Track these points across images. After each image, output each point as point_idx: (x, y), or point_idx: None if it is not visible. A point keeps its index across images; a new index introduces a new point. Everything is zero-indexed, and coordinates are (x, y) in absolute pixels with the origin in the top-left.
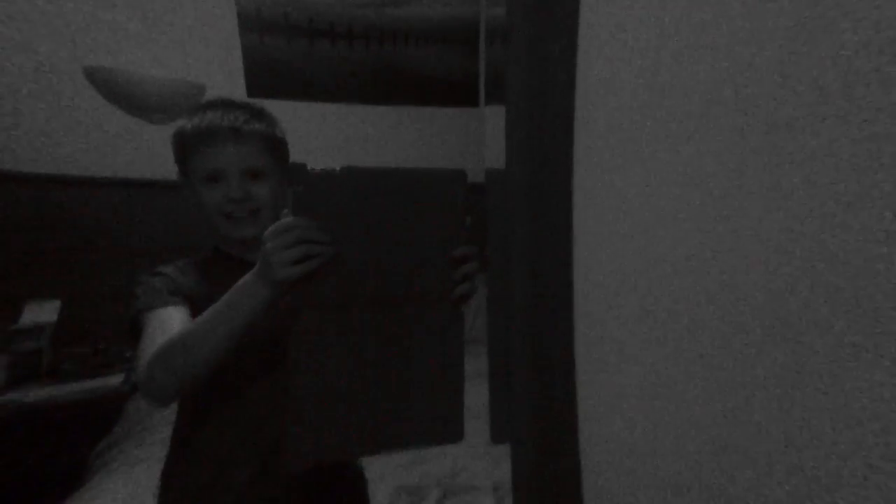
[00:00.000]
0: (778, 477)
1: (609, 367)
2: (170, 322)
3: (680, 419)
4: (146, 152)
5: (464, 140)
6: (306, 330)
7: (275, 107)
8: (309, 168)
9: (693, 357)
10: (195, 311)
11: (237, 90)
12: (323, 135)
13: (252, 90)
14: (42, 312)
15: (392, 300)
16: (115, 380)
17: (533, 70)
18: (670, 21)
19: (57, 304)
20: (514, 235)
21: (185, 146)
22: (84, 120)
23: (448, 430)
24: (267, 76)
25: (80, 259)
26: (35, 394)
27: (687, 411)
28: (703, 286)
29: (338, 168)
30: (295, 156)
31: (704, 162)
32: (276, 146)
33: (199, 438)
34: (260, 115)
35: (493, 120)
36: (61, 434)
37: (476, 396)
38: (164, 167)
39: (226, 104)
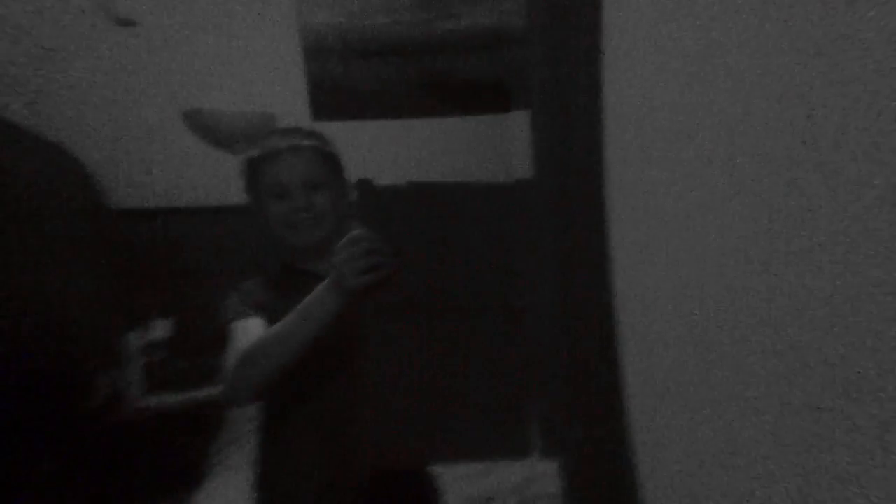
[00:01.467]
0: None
1: (654, 371)
2: (248, 332)
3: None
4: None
5: (516, 146)
6: (374, 338)
7: (339, 128)
8: (375, 183)
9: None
10: (272, 320)
11: (303, 116)
12: (385, 150)
13: (317, 114)
14: (162, 328)
15: (457, 309)
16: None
17: (554, 71)
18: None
19: (170, 321)
20: (554, 242)
21: (252, 170)
22: (177, 155)
23: (514, 443)
24: (329, 99)
25: (188, 281)
26: (167, 399)
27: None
28: (748, 284)
29: (403, 183)
30: (359, 172)
31: (747, 159)
32: (329, 159)
33: (276, 444)
34: (313, 134)
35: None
36: (184, 435)
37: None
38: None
39: (283, 130)
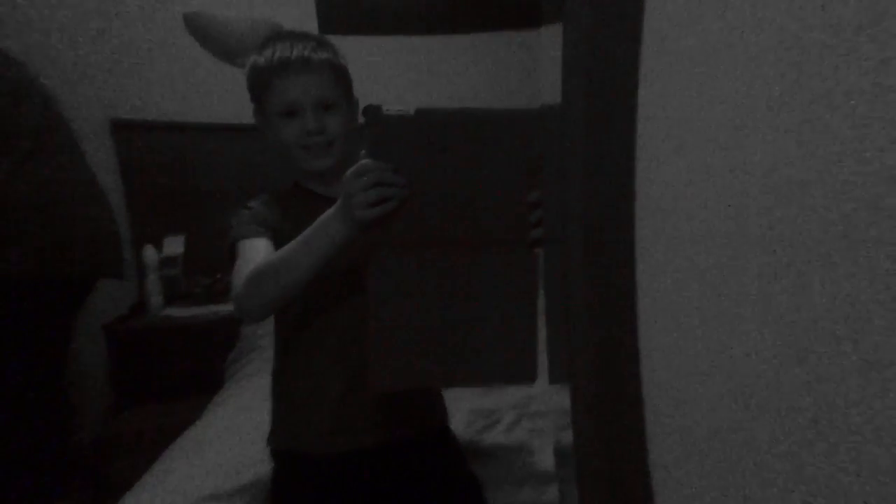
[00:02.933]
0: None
1: (671, 299)
2: (256, 251)
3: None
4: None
5: (535, 66)
6: (382, 269)
7: (347, 43)
8: (384, 110)
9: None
10: (279, 240)
11: (310, 28)
12: (394, 69)
13: (324, 26)
14: (175, 245)
15: (466, 242)
16: (231, 307)
17: None
18: None
19: (182, 238)
20: (572, 165)
21: (259, 81)
22: (186, 68)
23: (522, 370)
24: (336, 11)
25: (201, 199)
26: (181, 312)
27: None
28: (780, 203)
29: (412, 110)
30: (367, 91)
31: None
32: (343, 75)
33: (295, 355)
34: (325, 43)
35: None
36: (201, 346)
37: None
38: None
39: (292, 35)
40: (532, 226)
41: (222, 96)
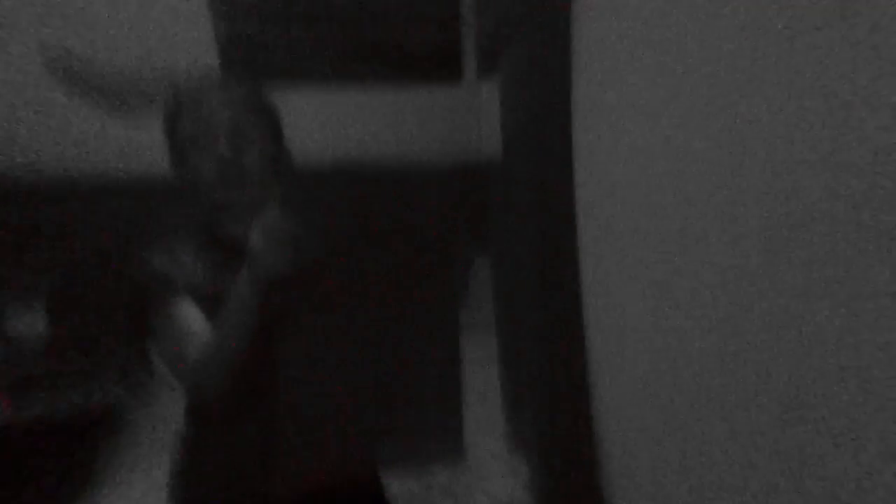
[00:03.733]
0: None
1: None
2: (185, 319)
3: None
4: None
5: (451, 118)
6: (290, 338)
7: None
8: (295, 163)
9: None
10: (196, 298)
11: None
12: (307, 124)
13: (227, 69)
14: (26, 325)
15: (384, 304)
16: (115, 390)
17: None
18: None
19: (41, 314)
20: (519, 224)
21: (172, 109)
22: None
23: (447, 445)
24: (244, 65)
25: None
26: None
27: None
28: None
29: (326, 164)
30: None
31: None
32: (266, 113)
33: (197, 444)
34: (251, 83)
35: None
36: (60, 448)
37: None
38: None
39: (215, 75)
40: (458, 287)
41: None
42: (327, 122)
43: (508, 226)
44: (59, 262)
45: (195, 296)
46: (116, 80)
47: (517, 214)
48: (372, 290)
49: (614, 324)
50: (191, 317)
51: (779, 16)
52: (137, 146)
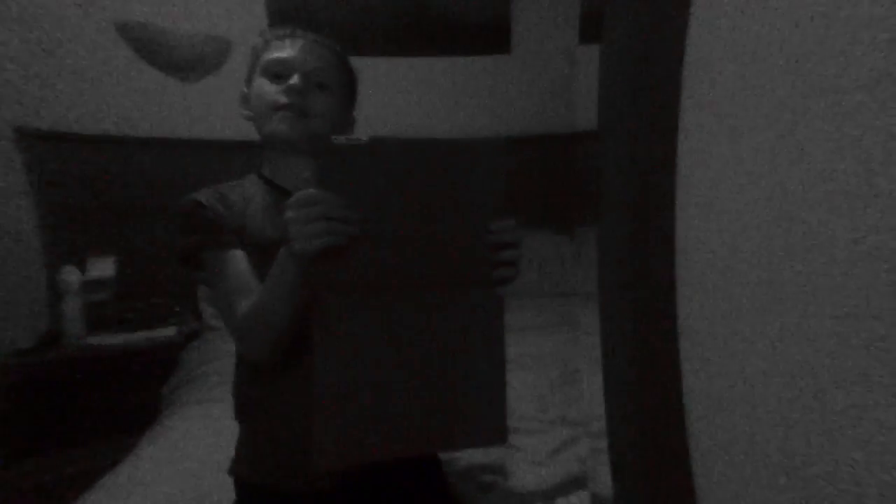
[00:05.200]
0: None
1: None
2: (236, 268)
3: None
4: (185, 112)
5: (496, 91)
6: (328, 315)
7: None
8: (333, 138)
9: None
10: (242, 242)
11: None
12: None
13: None
14: (103, 267)
15: (424, 284)
16: (169, 331)
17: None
18: None
19: (112, 259)
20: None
21: (258, 48)
22: (122, 79)
23: (490, 430)
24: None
25: (133, 217)
26: (110, 339)
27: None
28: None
29: (365, 138)
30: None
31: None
32: (347, 73)
33: (262, 378)
34: (339, 45)
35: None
36: (131, 377)
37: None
38: (203, 126)
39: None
40: (498, 265)
41: (155, 109)
42: (381, 94)
43: (603, 200)
44: (126, 214)
45: (249, 245)
46: (181, 49)
47: (610, 191)
48: (418, 272)
49: (712, 320)
50: (241, 269)
51: None
52: (200, 108)
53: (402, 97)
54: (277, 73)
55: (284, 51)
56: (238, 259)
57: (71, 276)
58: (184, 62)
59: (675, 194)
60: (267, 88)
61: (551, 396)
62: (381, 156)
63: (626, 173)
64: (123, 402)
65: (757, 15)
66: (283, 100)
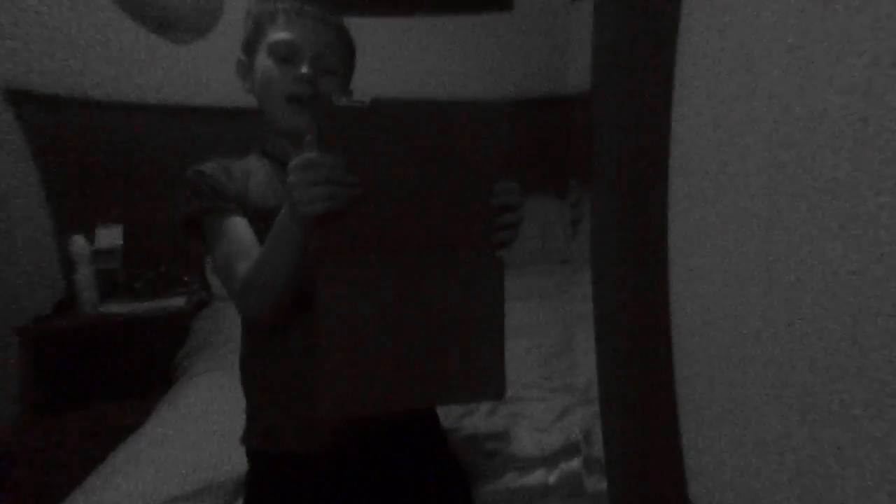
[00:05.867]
0: None
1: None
2: (237, 232)
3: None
4: (178, 76)
5: (501, 50)
6: (333, 275)
7: None
8: (334, 100)
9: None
10: (246, 213)
11: None
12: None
13: None
14: (111, 236)
15: (426, 245)
16: (179, 300)
17: None
18: None
19: (120, 228)
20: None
21: (262, 21)
22: (114, 42)
23: (489, 385)
24: None
25: (138, 185)
26: (120, 308)
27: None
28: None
29: (366, 100)
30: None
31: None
32: (349, 47)
33: (268, 342)
34: (340, 19)
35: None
36: (144, 344)
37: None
38: (198, 91)
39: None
40: (499, 228)
41: (155, 73)
42: (379, 55)
43: (596, 164)
44: (130, 182)
45: (251, 214)
46: (171, 9)
47: (603, 155)
48: (420, 233)
49: (704, 308)
50: (242, 234)
51: None
52: (196, 72)
53: (404, 57)
54: (285, 56)
55: (292, 32)
56: (239, 224)
57: (81, 245)
58: (175, 21)
59: (669, 159)
60: (276, 74)
61: (555, 364)
62: (382, 117)
63: (619, 134)
64: (139, 367)
65: None
66: (296, 88)
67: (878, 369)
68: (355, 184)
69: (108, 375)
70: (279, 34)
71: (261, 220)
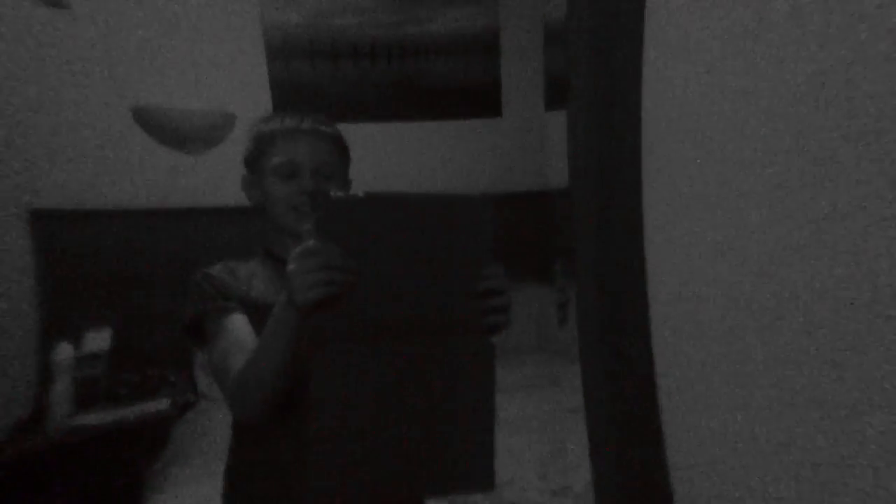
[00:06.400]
0: None
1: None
2: (238, 330)
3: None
4: (184, 182)
5: (488, 151)
6: (326, 362)
7: None
8: (332, 193)
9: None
10: (248, 310)
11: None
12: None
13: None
14: (99, 340)
15: (418, 332)
16: (162, 403)
17: (598, 73)
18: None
19: (109, 332)
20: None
21: (263, 143)
22: (124, 154)
23: (478, 476)
24: (293, 100)
25: (129, 287)
26: (96, 417)
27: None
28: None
29: (361, 193)
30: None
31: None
32: (344, 152)
33: (258, 447)
34: (331, 125)
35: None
36: (118, 455)
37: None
38: (203, 195)
39: (301, 110)
40: (489, 312)
41: (148, 180)
42: (375, 156)
43: (577, 252)
44: (127, 283)
45: (252, 311)
46: (188, 126)
47: (583, 243)
48: (412, 320)
49: (687, 364)
50: (240, 330)
51: None
52: (205, 181)
53: (402, 156)
54: (288, 174)
55: (292, 151)
56: (238, 321)
57: (64, 354)
58: (192, 137)
59: (644, 245)
60: (281, 191)
61: (550, 463)
62: (376, 209)
63: (595, 229)
64: (107, 484)
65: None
66: (297, 201)
67: (860, 367)
68: (351, 270)
69: (75, 498)
70: (280, 156)
71: (261, 317)
